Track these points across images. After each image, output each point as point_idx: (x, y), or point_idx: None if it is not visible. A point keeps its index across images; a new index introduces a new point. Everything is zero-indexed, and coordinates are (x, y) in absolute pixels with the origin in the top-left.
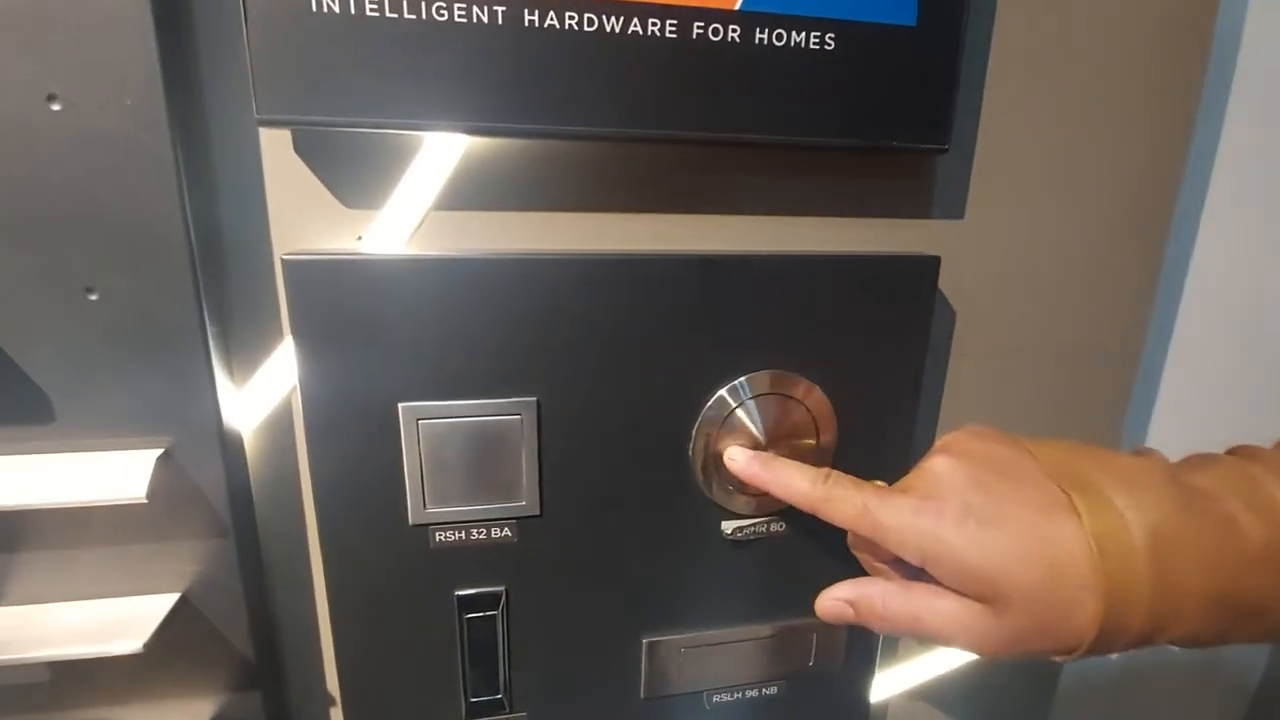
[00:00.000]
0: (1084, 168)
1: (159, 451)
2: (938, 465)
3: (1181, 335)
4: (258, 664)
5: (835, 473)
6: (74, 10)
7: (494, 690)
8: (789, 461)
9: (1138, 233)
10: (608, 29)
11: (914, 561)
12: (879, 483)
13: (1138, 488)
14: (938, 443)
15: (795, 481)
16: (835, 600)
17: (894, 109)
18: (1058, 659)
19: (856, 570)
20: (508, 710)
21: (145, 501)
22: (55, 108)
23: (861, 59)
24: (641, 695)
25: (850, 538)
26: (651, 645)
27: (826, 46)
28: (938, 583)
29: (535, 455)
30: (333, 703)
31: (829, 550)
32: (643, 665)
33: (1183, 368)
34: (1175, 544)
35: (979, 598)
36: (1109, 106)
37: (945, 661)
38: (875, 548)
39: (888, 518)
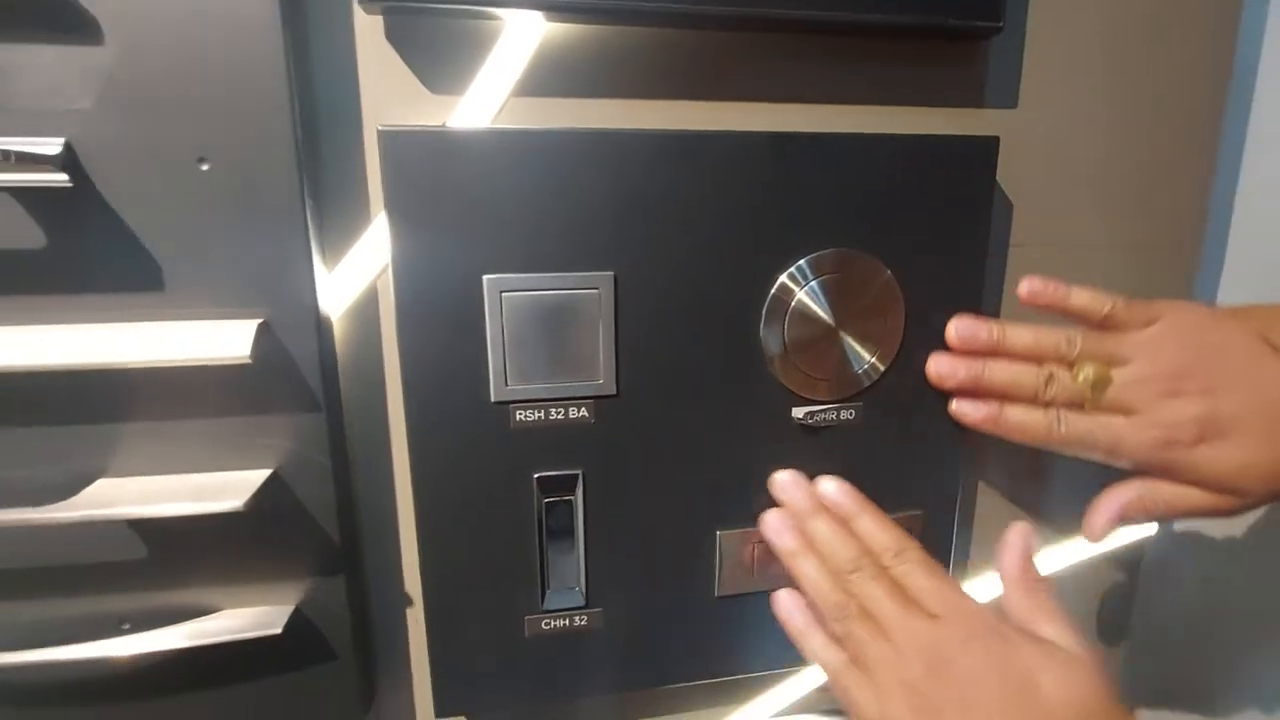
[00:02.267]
0: (1137, 58)
1: (260, 320)
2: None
3: (1239, 230)
4: (343, 547)
5: (1054, 410)
6: None
7: (571, 582)
8: (1018, 406)
9: (1194, 126)
10: None
11: (1226, 497)
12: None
13: None
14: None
15: (1029, 425)
16: (1107, 523)
17: None
18: None
19: (929, 456)
20: (584, 605)
21: (249, 361)
22: None
23: None
24: (716, 593)
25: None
26: (725, 538)
27: None
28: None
29: (612, 331)
30: (409, 602)
31: (901, 437)
32: (717, 560)
33: (1242, 264)
34: None
35: None
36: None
37: None
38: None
39: (1129, 448)
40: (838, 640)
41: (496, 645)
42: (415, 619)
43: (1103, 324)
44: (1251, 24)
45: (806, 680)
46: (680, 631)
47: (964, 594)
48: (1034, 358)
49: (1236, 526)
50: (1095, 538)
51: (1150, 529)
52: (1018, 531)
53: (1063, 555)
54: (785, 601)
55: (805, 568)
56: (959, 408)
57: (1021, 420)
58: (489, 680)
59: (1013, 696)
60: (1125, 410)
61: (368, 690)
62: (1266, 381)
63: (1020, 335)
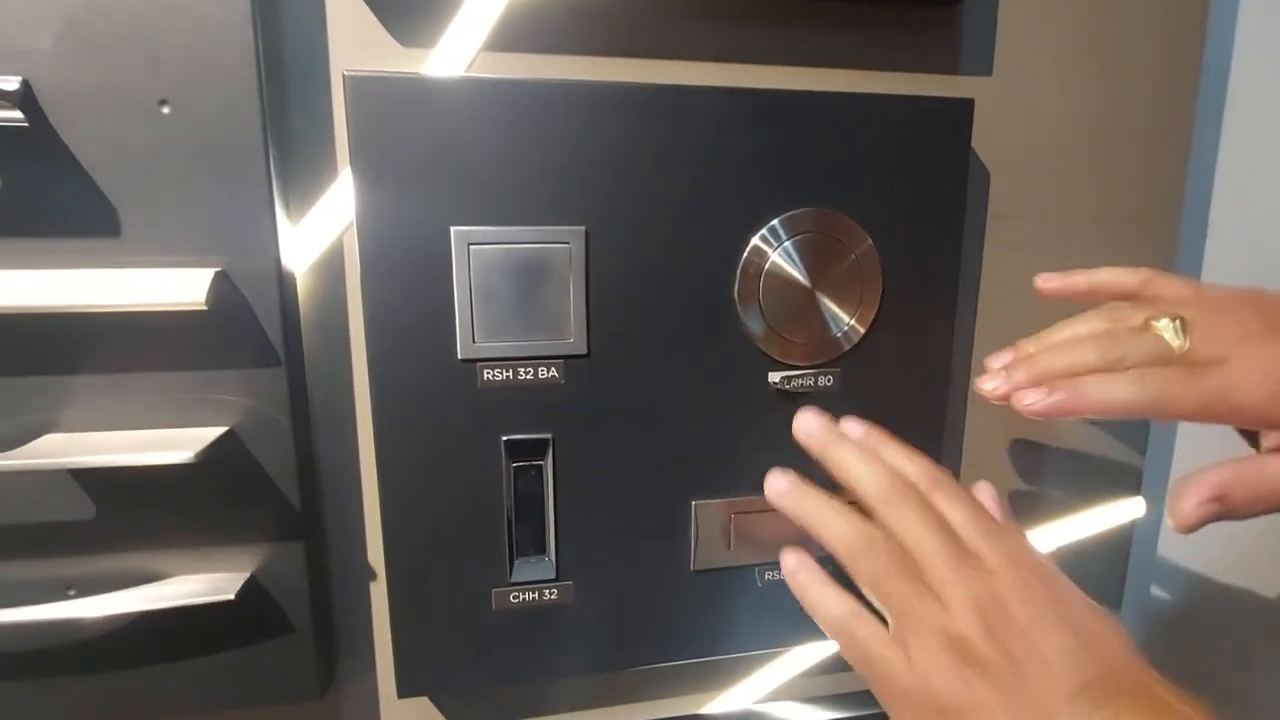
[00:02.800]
0: (1111, 25)
1: (218, 269)
2: (1208, 318)
3: (1220, 200)
4: (302, 511)
5: (1136, 370)
6: None
7: (541, 551)
8: (1095, 376)
9: (1169, 93)
10: None
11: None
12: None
13: None
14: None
15: (1118, 391)
16: (1200, 505)
17: None
18: None
19: (907, 429)
20: (555, 577)
21: (205, 309)
22: None
23: None
24: (692, 567)
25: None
26: (701, 508)
27: None
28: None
29: (583, 288)
30: (373, 575)
31: (879, 403)
32: (693, 532)
33: (1224, 234)
34: None
35: None
36: None
37: None
38: None
39: (1242, 395)
40: (866, 589)
41: (462, 619)
42: (379, 594)
43: (1138, 295)
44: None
45: (789, 664)
46: (655, 607)
47: (1010, 533)
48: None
49: None
50: (1183, 525)
51: (1138, 508)
52: (982, 489)
53: (1052, 535)
54: (788, 556)
55: (812, 503)
56: (1023, 399)
57: (1108, 392)
58: (454, 658)
59: (1071, 645)
60: (1219, 360)
61: (326, 668)
62: None
63: (1062, 328)
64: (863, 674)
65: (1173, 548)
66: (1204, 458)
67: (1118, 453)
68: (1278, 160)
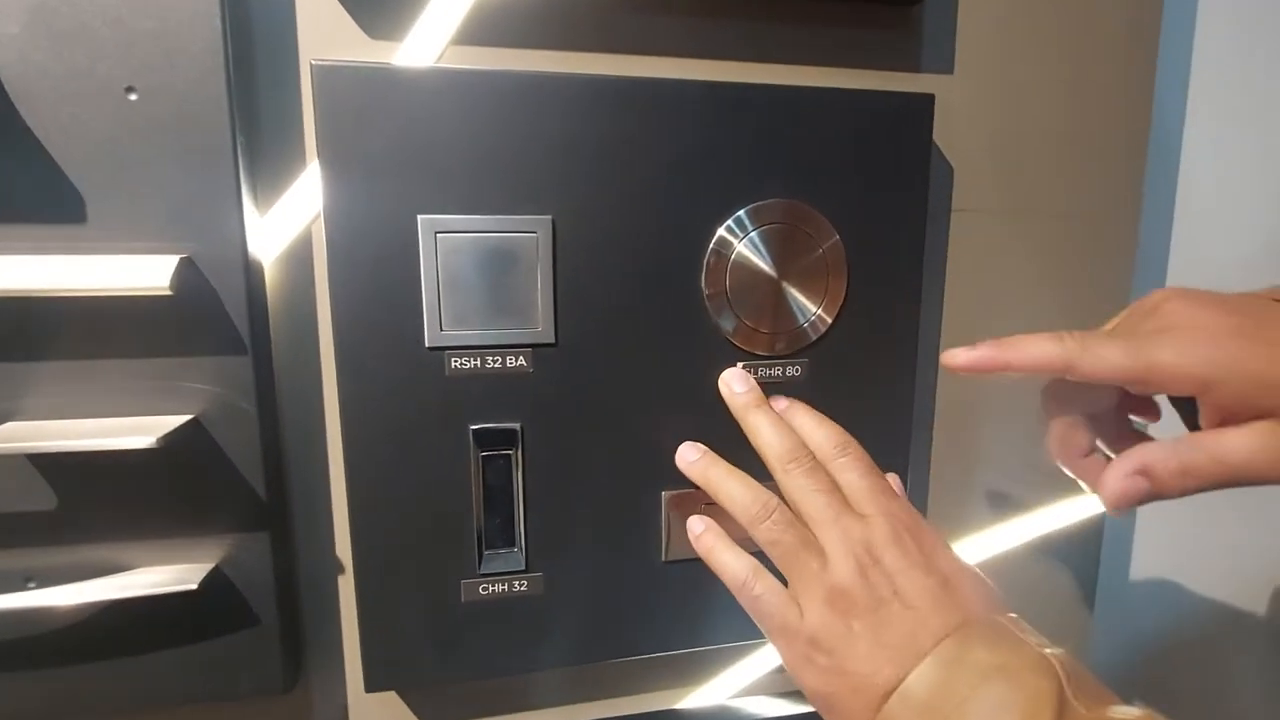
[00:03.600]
0: (1068, 24)
1: (183, 255)
2: (1175, 308)
3: (1186, 193)
4: (268, 501)
5: (1071, 331)
6: None
7: (510, 542)
8: (1023, 335)
9: (1127, 90)
10: None
11: (1191, 391)
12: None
13: None
14: (1146, 297)
15: (1039, 347)
16: (1125, 478)
17: None
18: None
19: (882, 418)
20: (524, 568)
21: (169, 294)
22: None
23: None
24: (664, 558)
25: (1049, 399)
26: (671, 499)
27: None
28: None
29: (550, 277)
30: (341, 569)
31: (846, 394)
32: (663, 522)
33: (1191, 226)
34: None
35: (1270, 411)
36: None
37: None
38: (1085, 402)
39: (1161, 354)
40: (765, 550)
41: (431, 612)
42: (347, 586)
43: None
44: None
45: (764, 659)
46: (626, 598)
47: (895, 495)
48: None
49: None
50: (1110, 500)
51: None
52: (890, 476)
53: (1019, 531)
54: (694, 520)
55: (717, 473)
56: (952, 358)
57: (1032, 346)
58: (422, 651)
59: (937, 590)
60: (1155, 331)
61: (293, 663)
62: None
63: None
64: (762, 626)
65: (1148, 545)
66: None
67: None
68: (1238, 155)
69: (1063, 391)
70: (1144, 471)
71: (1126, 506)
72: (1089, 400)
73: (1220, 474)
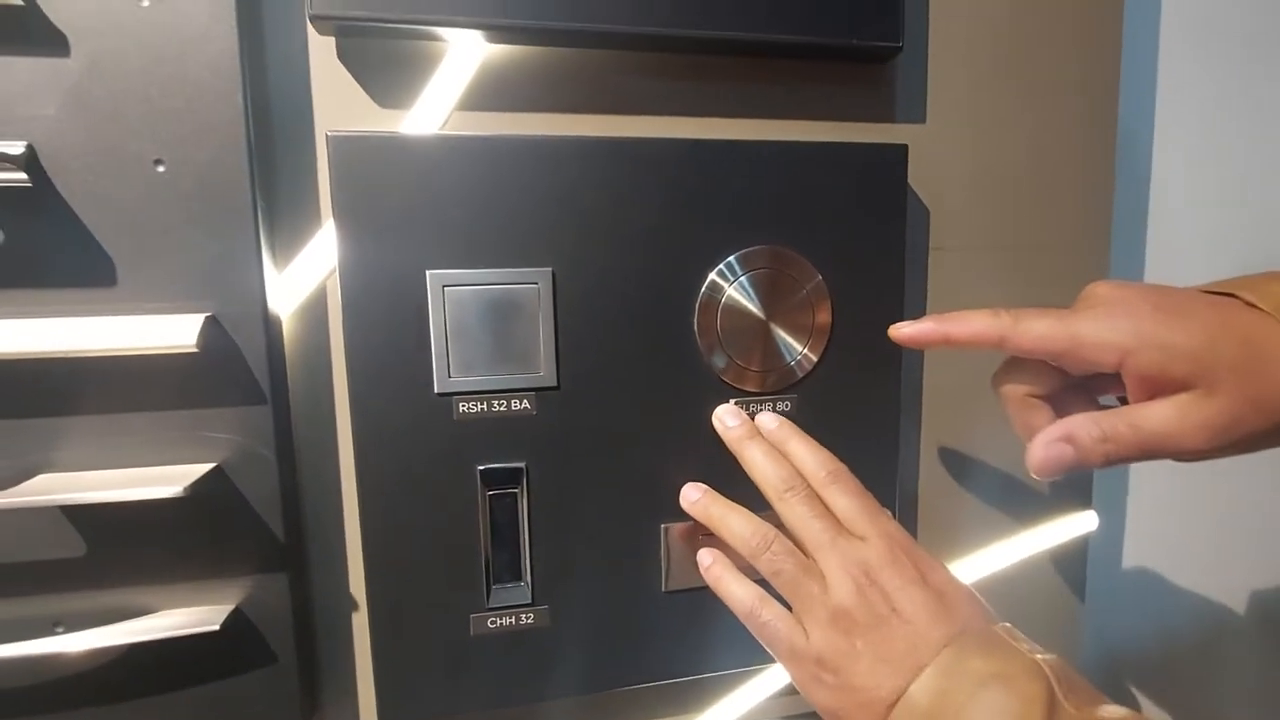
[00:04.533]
0: (1031, 71)
1: (208, 314)
2: (1102, 290)
3: (1157, 218)
4: (286, 543)
5: (1008, 308)
6: None
7: (517, 576)
8: (963, 311)
9: (1089, 129)
10: None
11: (1111, 362)
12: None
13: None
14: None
15: (976, 322)
16: (1050, 443)
17: (850, 10)
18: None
19: (870, 449)
20: (530, 601)
21: (195, 351)
22: (145, 3)
23: None
24: (665, 588)
25: (998, 376)
26: (671, 531)
27: None
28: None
29: (552, 324)
30: (355, 606)
31: (833, 427)
32: (663, 554)
33: (1162, 250)
34: None
35: (1185, 382)
36: (1046, 13)
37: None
38: (1034, 377)
39: (1083, 325)
40: (768, 580)
41: (443, 646)
42: (361, 623)
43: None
44: (1136, 30)
45: (766, 684)
46: (631, 628)
47: (888, 517)
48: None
49: (1187, 510)
50: (1033, 465)
51: (1089, 522)
52: None
53: (1008, 551)
54: (703, 553)
55: (718, 510)
56: (896, 330)
57: (968, 319)
58: (435, 684)
59: (933, 604)
60: (1087, 308)
61: (309, 699)
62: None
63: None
64: (771, 650)
65: (1137, 559)
66: (1148, 468)
67: None
68: (1206, 180)
69: (1011, 370)
70: (1068, 438)
71: (1050, 472)
72: (1034, 377)
73: (1140, 442)
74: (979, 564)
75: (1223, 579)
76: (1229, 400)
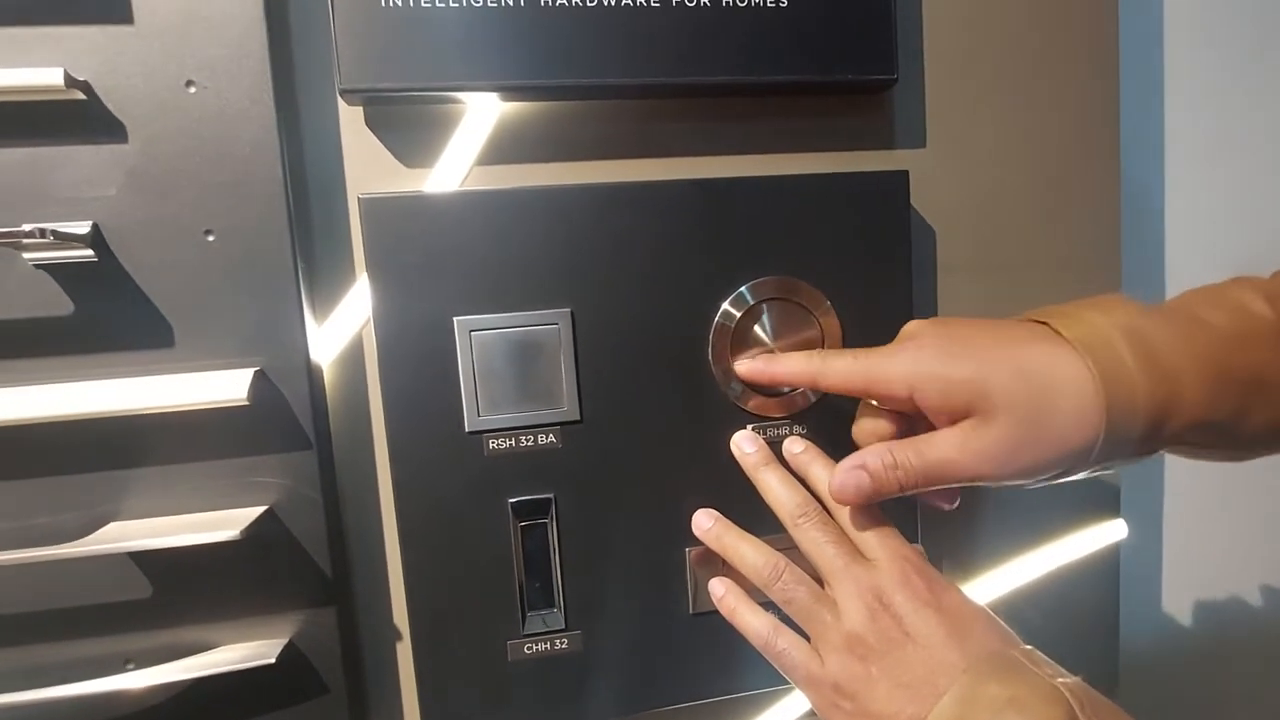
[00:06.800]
0: (1027, 91)
1: (257, 369)
2: (909, 327)
3: (1173, 235)
4: (334, 578)
5: (822, 350)
6: (207, 19)
7: (550, 603)
8: (785, 353)
9: (1090, 145)
10: (608, 4)
11: (903, 397)
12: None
13: (1100, 306)
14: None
15: (793, 363)
16: (848, 470)
17: (844, 47)
18: (1078, 474)
19: None
20: (564, 627)
21: (247, 404)
22: (191, 90)
23: (810, 11)
24: (691, 610)
25: (855, 427)
26: (695, 555)
27: (780, 4)
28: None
29: (573, 361)
30: (399, 635)
31: (845, 451)
32: (689, 577)
33: (1178, 259)
34: (1148, 332)
35: (966, 409)
36: (1040, 33)
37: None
38: (880, 421)
39: (876, 364)
40: (782, 607)
41: (481, 672)
42: (405, 653)
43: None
44: (1134, 38)
45: (798, 703)
46: (660, 650)
47: (900, 537)
48: None
49: (1226, 516)
50: (833, 492)
51: (1119, 531)
52: None
53: (1033, 565)
54: (714, 583)
55: (730, 540)
56: (738, 363)
57: (786, 361)
58: (475, 710)
59: (948, 628)
60: (891, 348)
61: None
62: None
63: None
64: (789, 678)
65: (1174, 569)
66: (1183, 475)
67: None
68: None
69: (862, 416)
70: (863, 465)
71: (846, 498)
72: (879, 422)
73: (925, 469)
74: (1002, 579)
75: (1273, 588)
76: (1004, 429)
